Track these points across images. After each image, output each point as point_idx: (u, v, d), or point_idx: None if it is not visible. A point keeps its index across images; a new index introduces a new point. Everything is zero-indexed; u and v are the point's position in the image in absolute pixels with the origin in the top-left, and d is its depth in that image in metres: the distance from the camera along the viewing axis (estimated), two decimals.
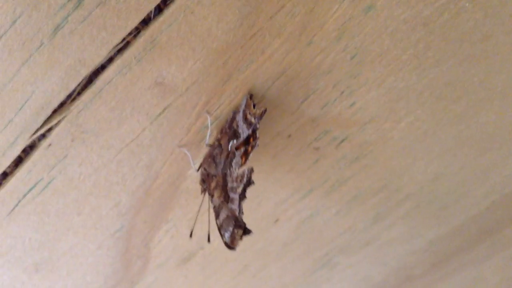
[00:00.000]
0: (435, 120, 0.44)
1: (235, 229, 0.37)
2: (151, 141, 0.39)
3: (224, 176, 0.37)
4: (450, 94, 0.43)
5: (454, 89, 0.43)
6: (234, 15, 0.35)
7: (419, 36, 0.39)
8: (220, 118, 0.40)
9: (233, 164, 0.37)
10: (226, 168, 0.37)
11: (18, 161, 0.38)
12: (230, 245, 0.37)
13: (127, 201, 0.42)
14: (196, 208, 0.44)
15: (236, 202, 0.37)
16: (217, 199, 0.38)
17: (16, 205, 0.40)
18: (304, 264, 0.53)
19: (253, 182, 0.38)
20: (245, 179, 0.38)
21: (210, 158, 0.39)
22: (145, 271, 0.48)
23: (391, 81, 0.41)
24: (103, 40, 0.34)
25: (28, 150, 0.38)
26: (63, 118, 0.37)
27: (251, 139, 0.38)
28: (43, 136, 0.37)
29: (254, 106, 0.38)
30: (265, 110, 0.37)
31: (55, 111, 0.36)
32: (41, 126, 0.37)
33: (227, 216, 0.37)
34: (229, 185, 0.37)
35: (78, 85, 0.36)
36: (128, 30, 0.34)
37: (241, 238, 0.37)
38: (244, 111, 0.37)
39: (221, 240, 0.45)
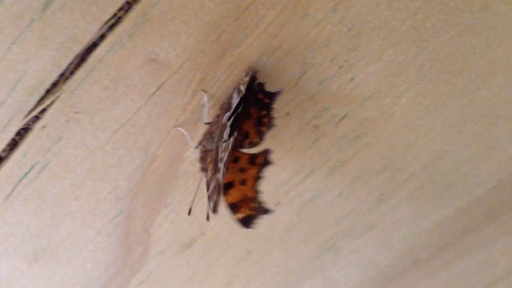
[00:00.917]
0: (436, 95, 0.43)
1: (217, 196, 0.36)
2: (146, 121, 0.39)
3: (217, 149, 0.36)
4: (451, 67, 0.42)
5: (455, 62, 0.42)
6: None
7: (417, 6, 0.38)
8: (217, 95, 0.39)
9: (224, 134, 0.36)
10: (219, 141, 0.37)
11: (13, 145, 0.38)
12: (213, 211, 0.36)
13: (125, 185, 0.42)
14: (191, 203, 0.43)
15: (222, 170, 0.36)
16: (209, 173, 0.37)
17: (12, 190, 0.40)
18: (308, 249, 0.52)
19: (270, 162, 0.37)
20: (262, 161, 0.37)
21: (209, 134, 0.38)
22: (146, 258, 0.47)
23: (390, 54, 0.40)
24: (94, 15, 0.33)
25: (22, 133, 0.37)
26: (56, 98, 0.36)
27: (266, 119, 0.37)
28: (37, 117, 0.37)
29: (261, 84, 0.37)
30: (280, 91, 0.37)
31: (48, 91, 0.36)
32: (35, 107, 0.36)
33: (214, 187, 0.36)
34: (219, 156, 0.36)
35: (71, 63, 0.35)
36: (119, 4, 0.34)
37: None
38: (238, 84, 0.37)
39: (222, 225, 0.44)
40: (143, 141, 0.40)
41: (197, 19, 0.35)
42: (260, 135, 0.37)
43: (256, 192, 0.38)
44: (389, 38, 0.39)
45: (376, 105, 0.43)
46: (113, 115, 0.38)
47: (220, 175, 0.37)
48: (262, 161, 0.38)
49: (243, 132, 0.38)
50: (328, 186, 0.47)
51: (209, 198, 0.37)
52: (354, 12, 0.37)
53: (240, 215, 0.38)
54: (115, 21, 0.34)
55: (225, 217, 0.45)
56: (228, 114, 0.37)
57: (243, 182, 0.38)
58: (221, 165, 0.37)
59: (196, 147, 0.39)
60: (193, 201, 0.39)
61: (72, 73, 0.35)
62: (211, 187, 0.37)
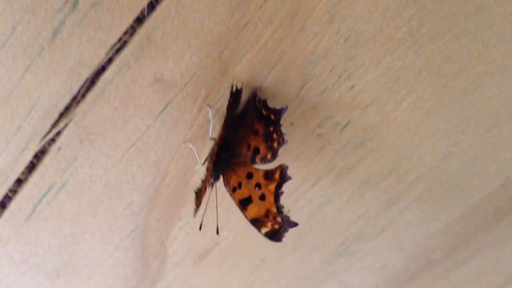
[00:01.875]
0: (437, 98, 0.44)
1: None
2: (156, 138, 0.41)
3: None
4: (449, 70, 0.43)
5: (452, 65, 0.43)
6: (225, 6, 0.36)
7: (411, 13, 0.39)
8: (222, 110, 0.40)
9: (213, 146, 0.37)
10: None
11: (31, 167, 0.40)
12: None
13: (139, 200, 0.43)
14: (208, 203, 0.44)
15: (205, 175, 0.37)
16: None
17: (33, 210, 0.42)
18: (321, 255, 0.53)
19: (289, 177, 0.38)
20: (278, 178, 0.38)
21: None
22: (163, 270, 0.49)
23: (388, 61, 0.41)
24: (101, 40, 0.35)
25: (40, 155, 0.39)
26: (70, 121, 0.38)
27: (275, 135, 0.38)
28: (53, 140, 0.39)
29: (263, 101, 0.38)
30: (285, 108, 0.38)
31: (61, 115, 0.38)
32: (50, 130, 0.38)
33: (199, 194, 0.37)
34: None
35: (81, 87, 0.37)
36: (124, 29, 0.35)
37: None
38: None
39: (235, 235, 0.46)
40: (154, 157, 0.41)
41: (199, 39, 0.37)
42: (272, 151, 0.38)
43: (280, 207, 0.39)
44: (385, 46, 0.40)
45: (378, 111, 0.44)
46: (124, 134, 0.40)
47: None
48: (278, 176, 0.39)
49: (252, 148, 0.39)
50: (336, 192, 0.48)
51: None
52: (350, 22, 0.39)
53: (265, 230, 0.39)
54: (121, 45, 0.36)
55: (237, 227, 0.46)
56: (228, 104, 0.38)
57: (262, 198, 0.39)
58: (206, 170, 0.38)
59: (203, 164, 0.40)
60: (203, 215, 0.40)
61: (83, 96, 0.37)
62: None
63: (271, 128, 0.38)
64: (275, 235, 0.38)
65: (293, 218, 0.48)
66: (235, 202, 0.39)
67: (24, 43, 0.34)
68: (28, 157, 0.39)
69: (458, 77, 0.44)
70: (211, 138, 0.40)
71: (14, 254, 0.44)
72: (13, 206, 0.41)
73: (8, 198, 0.41)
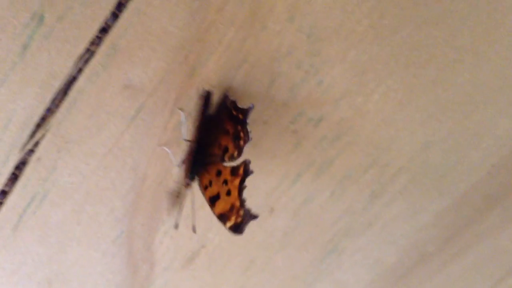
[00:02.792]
0: (408, 88, 0.45)
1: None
2: (131, 143, 0.42)
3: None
4: (417, 59, 0.44)
5: (420, 54, 0.43)
6: (185, 11, 0.37)
7: (370, 5, 0.40)
8: (193, 113, 0.42)
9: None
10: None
11: (14, 178, 0.41)
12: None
13: (121, 206, 0.45)
14: (189, 205, 0.45)
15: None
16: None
17: (19, 221, 0.43)
18: (310, 253, 0.53)
19: (252, 172, 0.39)
20: (242, 172, 0.39)
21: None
22: (152, 276, 0.49)
23: (353, 54, 0.42)
24: (69, 52, 0.37)
25: (21, 166, 0.41)
26: (46, 131, 0.40)
27: (242, 133, 0.39)
28: (32, 151, 0.40)
29: (233, 102, 0.40)
30: (252, 107, 0.39)
31: (38, 125, 0.39)
32: (28, 141, 0.40)
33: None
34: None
35: (54, 98, 0.39)
36: (89, 39, 0.37)
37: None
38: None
39: (221, 236, 0.47)
40: (131, 162, 0.43)
41: (163, 44, 0.38)
42: (238, 149, 0.40)
43: (242, 200, 0.40)
44: (348, 39, 0.41)
45: (350, 105, 0.45)
46: (100, 141, 0.41)
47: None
48: (242, 171, 0.40)
49: (222, 147, 0.40)
50: (318, 188, 0.49)
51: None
52: (310, 19, 0.40)
53: (230, 223, 0.40)
54: (89, 55, 0.38)
55: (222, 228, 0.47)
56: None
57: (228, 193, 0.40)
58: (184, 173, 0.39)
59: (179, 165, 0.41)
60: (193, 215, 0.42)
61: (57, 106, 0.39)
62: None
63: (239, 127, 0.39)
64: (237, 228, 0.39)
65: (277, 216, 0.49)
66: (206, 199, 0.40)
67: None
68: (9, 168, 0.41)
69: (427, 66, 0.44)
70: (185, 140, 0.41)
71: (5, 264, 0.45)
72: (0, 217, 0.43)
73: None
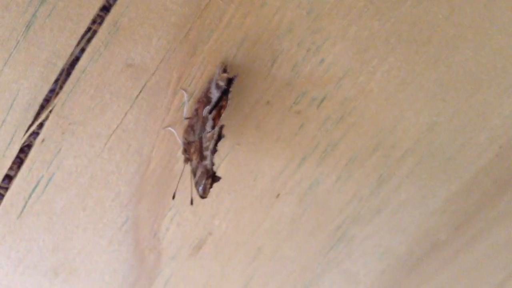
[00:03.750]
0: (410, 66, 0.45)
1: (207, 180, 0.39)
2: (135, 124, 0.42)
3: (200, 140, 0.39)
4: (418, 36, 0.44)
5: (420, 30, 0.43)
6: None
7: None
8: (195, 92, 0.42)
9: (206, 127, 0.39)
10: (201, 132, 0.39)
11: (19, 162, 0.42)
12: (202, 195, 0.39)
13: (126, 191, 0.45)
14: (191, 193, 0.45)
15: (209, 158, 0.39)
16: (194, 161, 0.40)
17: (24, 206, 0.43)
18: (319, 241, 0.52)
19: (223, 136, 0.40)
20: (216, 135, 0.40)
21: (189, 127, 0.41)
22: (160, 265, 0.49)
23: (353, 31, 0.42)
24: (71, 30, 0.38)
25: (26, 149, 0.41)
26: (50, 112, 0.40)
27: (224, 102, 0.40)
28: (37, 134, 0.41)
29: (225, 72, 0.40)
30: (236, 76, 0.40)
31: (42, 106, 0.40)
32: (32, 123, 0.40)
33: (201, 173, 0.39)
34: (204, 145, 0.39)
35: (58, 77, 0.39)
36: (91, 17, 0.38)
37: (211, 186, 0.39)
38: (215, 79, 0.40)
39: (227, 223, 0.46)
40: (135, 144, 0.43)
41: (164, 21, 0.39)
42: (219, 117, 0.40)
43: (212, 164, 0.41)
44: (349, 15, 0.42)
45: (352, 83, 0.45)
46: (104, 122, 0.41)
47: (207, 162, 0.40)
48: (217, 136, 0.40)
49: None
50: (324, 172, 0.48)
51: (196, 184, 0.40)
52: None
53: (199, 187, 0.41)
54: (91, 34, 0.38)
55: (228, 215, 0.47)
56: (208, 107, 0.40)
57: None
58: (207, 153, 0.40)
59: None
60: (192, 189, 0.42)
61: (61, 87, 0.39)
62: (198, 174, 0.40)
63: (224, 97, 0.40)
64: (204, 192, 0.40)
65: (283, 202, 0.49)
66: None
67: (0, 38, 0.37)
68: (14, 151, 0.41)
69: (428, 43, 0.44)
70: (186, 118, 0.42)
71: (11, 252, 0.45)
72: (5, 203, 0.43)
73: (0, 196, 0.43)
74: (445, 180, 0.52)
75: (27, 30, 0.37)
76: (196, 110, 0.41)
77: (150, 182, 0.45)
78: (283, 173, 0.48)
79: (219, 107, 0.40)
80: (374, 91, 0.45)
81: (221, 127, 0.40)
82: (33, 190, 0.43)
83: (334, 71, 0.44)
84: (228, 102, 0.40)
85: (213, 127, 0.40)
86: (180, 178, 0.43)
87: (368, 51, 0.43)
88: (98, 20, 0.38)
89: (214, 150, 0.40)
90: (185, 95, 0.42)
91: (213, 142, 0.40)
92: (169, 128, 0.43)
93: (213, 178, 0.40)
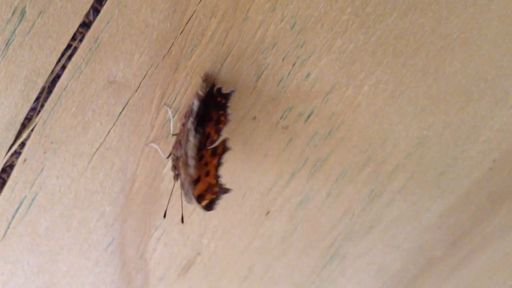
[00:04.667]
0: (398, 79, 0.44)
1: (190, 185, 0.38)
2: (119, 142, 0.41)
3: (185, 152, 0.38)
4: (404, 48, 0.43)
5: (407, 43, 0.43)
6: (165, 3, 0.38)
7: None
8: (180, 108, 0.41)
9: (189, 138, 0.38)
10: (186, 144, 0.39)
11: (2, 183, 0.41)
12: (188, 201, 0.38)
13: (111, 210, 0.44)
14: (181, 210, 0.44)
15: (192, 165, 0.38)
16: (182, 176, 0.39)
17: (7, 228, 0.42)
18: (311, 259, 0.51)
19: (229, 148, 0.40)
20: (220, 150, 0.40)
21: (177, 143, 0.40)
22: (148, 286, 0.48)
23: (339, 44, 0.42)
24: (51, 47, 0.37)
25: (8, 169, 0.40)
26: (32, 131, 0.39)
27: (223, 117, 0.39)
28: (19, 153, 0.40)
29: (218, 89, 0.39)
30: (233, 90, 0.39)
31: (23, 125, 0.39)
32: (14, 142, 0.39)
33: (184, 179, 0.38)
34: (188, 155, 0.38)
35: (38, 95, 0.38)
36: (71, 34, 0.37)
37: (217, 197, 0.39)
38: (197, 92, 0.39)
39: (216, 242, 0.45)
40: (119, 163, 0.42)
41: (145, 37, 0.38)
42: (218, 132, 0.40)
43: (217, 177, 0.40)
44: (333, 29, 0.41)
45: (340, 98, 0.44)
46: (86, 140, 0.41)
47: (190, 169, 0.38)
48: (221, 150, 0.40)
49: (206, 134, 0.40)
50: (314, 188, 0.47)
51: (186, 195, 0.39)
52: (292, 9, 0.40)
53: (205, 202, 0.40)
54: (72, 51, 0.38)
55: (217, 233, 0.46)
56: (191, 119, 0.39)
57: (207, 174, 0.40)
58: (191, 161, 0.39)
59: (168, 157, 0.41)
60: (182, 207, 0.41)
61: (42, 105, 0.39)
62: (186, 185, 0.39)
63: (221, 111, 0.39)
64: (210, 206, 0.39)
65: (273, 219, 0.48)
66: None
67: None
68: None
69: (415, 55, 0.44)
70: (173, 135, 0.41)
71: None
72: None
73: None
74: (438, 195, 0.51)
75: (6, 48, 0.37)
76: (183, 125, 0.40)
77: (136, 201, 0.44)
78: (273, 189, 0.47)
79: (216, 122, 0.39)
80: (362, 105, 0.45)
81: (225, 141, 0.40)
82: (16, 211, 0.42)
83: (320, 85, 0.43)
84: (229, 117, 0.39)
85: (211, 143, 0.40)
86: (170, 196, 0.42)
87: (355, 64, 0.43)
88: (78, 36, 0.38)
89: (219, 164, 0.40)
90: (169, 111, 0.41)
91: (217, 158, 0.39)
92: (152, 144, 0.42)
93: (222, 190, 0.39)
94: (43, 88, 0.38)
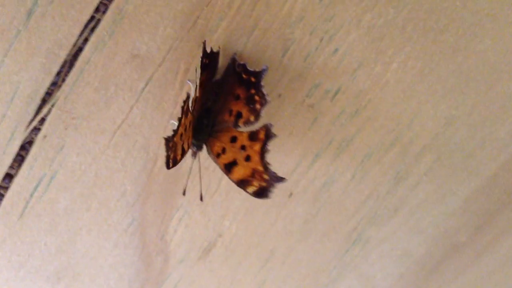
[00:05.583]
0: (428, 55, 0.43)
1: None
2: (141, 119, 0.40)
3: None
4: (435, 24, 0.42)
5: (438, 18, 0.42)
6: None
7: None
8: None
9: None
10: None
11: (20, 160, 0.40)
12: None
13: (132, 189, 0.43)
14: (203, 190, 0.43)
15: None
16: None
17: (25, 207, 0.41)
18: (333, 243, 0.50)
19: (274, 135, 0.38)
20: (264, 136, 0.38)
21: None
22: (167, 269, 0.47)
23: (368, 18, 0.40)
24: (74, 18, 0.36)
25: (27, 146, 0.39)
26: (52, 106, 0.38)
27: (257, 97, 0.38)
28: (38, 129, 0.39)
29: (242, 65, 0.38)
30: (266, 68, 0.37)
31: (43, 100, 0.38)
32: (34, 117, 0.38)
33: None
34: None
35: (60, 68, 0.37)
36: (95, 5, 0.36)
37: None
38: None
39: (237, 224, 0.44)
40: (142, 140, 0.41)
41: (170, 9, 0.37)
42: (255, 113, 0.38)
43: (266, 164, 0.38)
44: (363, 2, 0.40)
45: (368, 75, 0.43)
46: (109, 117, 0.39)
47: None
48: (263, 135, 0.38)
49: (234, 113, 0.39)
50: (338, 169, 0.46)
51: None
52: None
53: (253, 188, 0.38)
54: (95, 23, 0.36)
55: (239, 215, 0.45)
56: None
57: (247, 159, 0.38)
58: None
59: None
60: (200, 185, 0.40)
61: (63, 79, 0.38)
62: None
63: (252, 91, 0.38)
64: (263, 192, 0.38)
65: (296, 202, 0.46)
66: (220, 167, 0.38)
67: (1, 27, 0.35)
68: (15, 148, 0.39)
69: (446, 31, 0.42)
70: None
71: (12, 256, 0.43)
72: (5, 203, 0.41)
73: (0, 196, 0.41)
74: (465, 178, 0.50)
75: (28, 19, 0.35)
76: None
77: (157, 180, 0.43)
78: (296, 170, 0.45)
79: (249, 102, 0.38)
80: (391, 83, 0.43)
81: (267, 126, 0.38)
82: (35, 189, 0.41)
83: (348, 61, 0.42)
84: (267, 98, 0.37)
85: (246, 124, 0.38)
86: (189, 175, 0.40)
87: (384, 40, 0.41)
88: (102, 8, 0.36)
89: (264, 150, 0.38)
90: (193, 87, 0.40)
91: (260, 143, 0.38)
92: (176, 122, 0.40)
93: (274, 179, 0.38)
94: (65, 62, 0.37)
